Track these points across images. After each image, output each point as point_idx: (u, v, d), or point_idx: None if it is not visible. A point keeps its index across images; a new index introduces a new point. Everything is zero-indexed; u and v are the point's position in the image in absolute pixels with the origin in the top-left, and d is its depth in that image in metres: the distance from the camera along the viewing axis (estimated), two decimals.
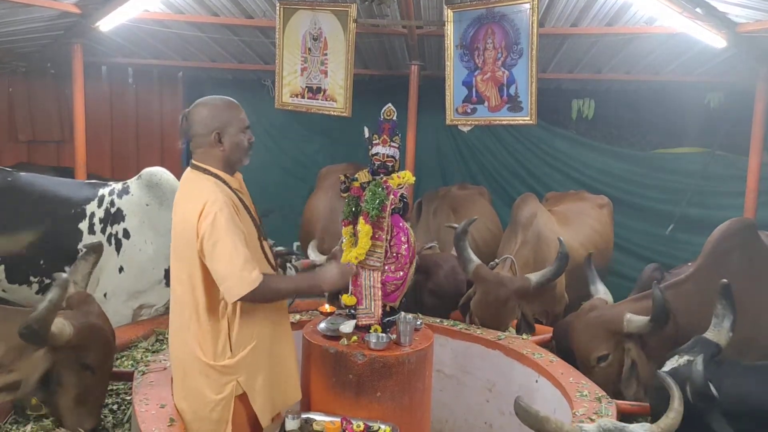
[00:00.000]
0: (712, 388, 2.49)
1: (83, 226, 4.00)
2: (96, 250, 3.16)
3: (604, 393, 3.09)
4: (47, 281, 3.91)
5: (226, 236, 2.40)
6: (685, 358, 2.73)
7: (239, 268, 2.40)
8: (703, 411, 2.49)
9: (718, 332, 2.74)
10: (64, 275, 2.78)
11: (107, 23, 5.61)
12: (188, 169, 2.63)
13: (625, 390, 3.34)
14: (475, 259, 4.11)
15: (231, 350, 2.54)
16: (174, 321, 2.65)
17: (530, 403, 2.29)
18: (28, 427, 2.84)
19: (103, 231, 3.99)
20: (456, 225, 4.52)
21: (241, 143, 2.60)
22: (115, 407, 3.21)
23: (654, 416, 2.80)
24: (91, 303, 3.00)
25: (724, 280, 2.81)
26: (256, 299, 2.48)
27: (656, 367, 3.12)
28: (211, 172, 2.56)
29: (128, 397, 3.24)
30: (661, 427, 2.28)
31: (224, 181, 2.56)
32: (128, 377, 3.17)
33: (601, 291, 3.86)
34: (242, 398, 2.58)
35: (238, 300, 2.45)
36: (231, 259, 2.40)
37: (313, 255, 4.65)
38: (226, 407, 2.54)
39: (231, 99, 2.66)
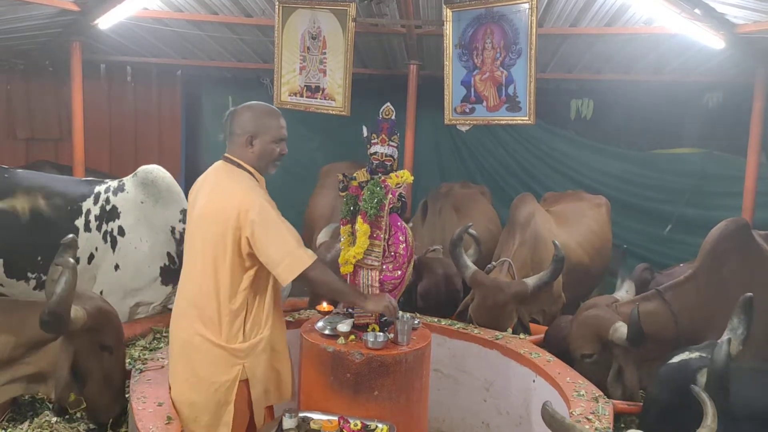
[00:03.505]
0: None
1: (79, 222, 4.00)
2: (71, 245, 3.17)
3: (601, 393, 3.10)
4: (44, 277, 3.91)
5: (278, 221, 2.57)
6: (697, 354, 2.70)
7: (295, 247, 2.56)
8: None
9: (730, 342, 2.72)
10: (70, 259, 2.80)
11: (106, 21, 5.61)
12: (220, 161, 2.72)
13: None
14: (472, 266, 4.14)
15: (243, 336, 2.63)
16: (182, 303, 2.69)
17: (528, 403, 2.28)
18: (25, 425, 2.84)
19: (98, 228, 3.99)
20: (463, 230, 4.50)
21: (271, 152, 2.70)
22: None
23: (645, 414, 2.80)
24: (86, 290, 3.02)
25: (749, 294, 2.76)
26: (310, 279, 2.60)
27: (650, 370, 3.13)
28: (244, 167, 2.67)
29: (126, 395, 3.23)
30: None
31: (255, 178, 2.68)
32: (126, 375, 3.16)
33: (622, 290, 3.85)
34: (244, 384, 2.66)
35: (295, 278, 2.56)
36: (287, 240, 2.56)
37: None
38: (230, 389, 2.62)
39: (274, 108, 2.80)
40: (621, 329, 3.32)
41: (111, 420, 2.94)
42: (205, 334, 2.60)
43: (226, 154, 2.72)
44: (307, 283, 2.69)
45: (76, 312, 2.71)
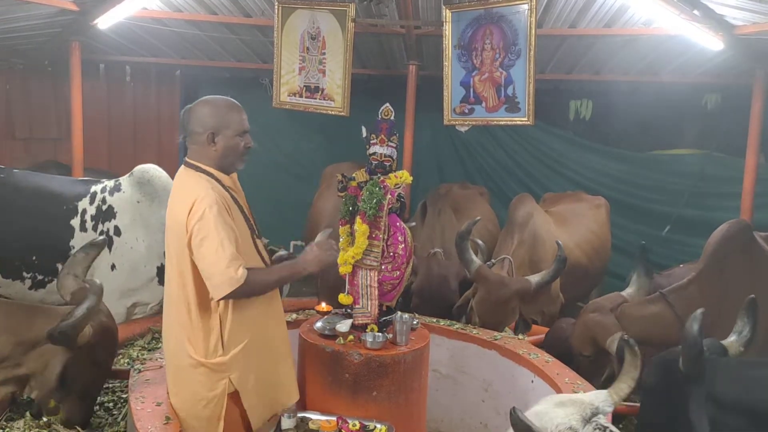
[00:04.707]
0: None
1: (75, 222, 3.99)
2: (99, 245, 3.17)
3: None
4: (40, 277, 3.93)
5: (214, 233, 2.40)
6: None
7: (225, 266, 2.39)
8: (690, 393, 2.45)
9: (731, 343, 2.73)
10: (98, 281, 2.81)
11: (105, 21, 5.61)
12: (182, 167, 2.62)
13: None
14: (477, 260, 4.14)
15: (223, 347, 2.53)
16: (167, 318, 2.65)
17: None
18: (21, 422, 2.84)
19: (94, 228, 3.98)
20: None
21: (235, 146, 2.56)
22: (110, 405, 3.21)
23: (642, 413, 2.80)
24: None
25: (752, 296, 2.76)
26: (242, 296, 2.48)
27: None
28: (203, 169, 2.54)
29: (124, 395, 3.24)
30: (618, 393, 2.21)
31: (217, 179, 2.55)
32: (124, 375, 3.16)
33: (632, 286, 3.76)
34: (234, 396, 2.58)
35: (223, 298, 2.45)
36: (217, 256, 2.40)
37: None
38: (218, 405, 2.54)
39: (233, 101, 2.63)
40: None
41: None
42: (188, 350, 2.53)
43: (186, 158, 2.59)
44: (245, 296, 2.50)
45: (85, 330, 2.72)
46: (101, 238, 3.13)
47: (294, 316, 3.87)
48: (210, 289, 2.45)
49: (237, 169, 2.65)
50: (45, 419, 2.86)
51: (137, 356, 3.44)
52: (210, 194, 2.45)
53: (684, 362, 2.46)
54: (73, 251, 3.92)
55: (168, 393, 2.72)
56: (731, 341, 2.71)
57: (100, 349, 2.89)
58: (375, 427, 2.70)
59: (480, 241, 4.63)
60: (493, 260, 4.49)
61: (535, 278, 4.11)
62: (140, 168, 4.13)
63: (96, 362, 2.89)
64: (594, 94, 7.32)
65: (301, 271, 2.68)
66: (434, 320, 4.04)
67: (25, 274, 3.94)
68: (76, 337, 2.66)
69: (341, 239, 3.15)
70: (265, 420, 2.71)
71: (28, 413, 2.88)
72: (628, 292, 3.79)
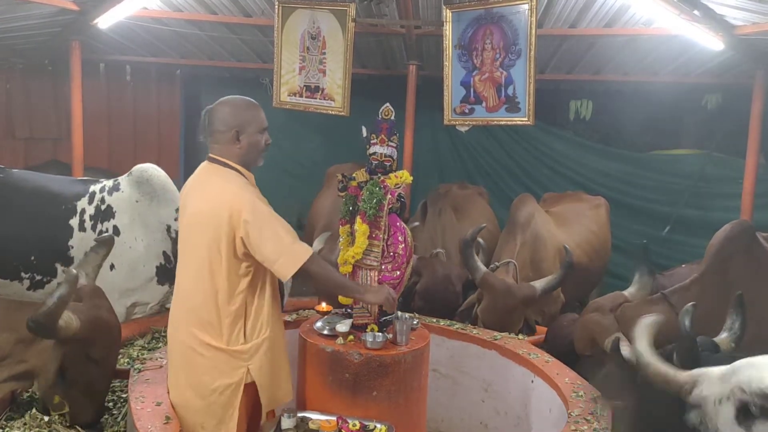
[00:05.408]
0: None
1: (74, 222, 3.99)
2: (107, 243, 3.17)
3: (600, 393, 3.10)
4: (38, 277, 3.92)
5: (270, 220, 2.56)
6: None
7: (290, 242, 2.56)
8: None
9: (722, 340, 2.73)
10: (74, 271, 2.80)
11: (105, 20, 5.61)
12: (206, 162, 2.69)
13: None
14: (482, 267, 4.14)
15: (245, 337, 2.61)
16: (179, 309, 2.67)
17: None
18: (21, 422, 2.83)
19: (93, 228, 3.97)
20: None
21: (258, 143, 2.67)
22: (110, 405, 3.20)
23: (639, 414, 2.80)
24: (100, 296, 3.01)
25: (738, 292, 2.77)
26: (310, 272, 2.60)
27: None
28: (231, 166, 2.64)
29: (124, 395, 3.23)
30: None
31: (243, 175, 2.65)
32: (124, 375, 3.16)
33: (634, 286, 3.70)
34: (249, 387, 2.63)
35: (294, 274, 2.56)
36: (281, 237, 2.55)
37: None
38: (235, 392, 2.60)
39: (252, 100, 2.73)
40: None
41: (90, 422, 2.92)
42: (206, 339, 2.57)
43: (210, 155, 2.67)
44: (307, 278, 2.66)
45: (69, 321, 2.68)
46: (107, 234, 3.13)
47: (294, 316, 3.87)
48: (279, 268, 2.56)
49: (258, 164, 2.75)
50: (46, 418, 2.85)
51: (137, 356, 3.44)
52: (248, 188, 2.60)
53: (678, 356, 2.47)
54: (71, 251, 3.93)
55: (169, 391, 2.72)
56: (722, 338, 2.72)
57: (95, 344, 2.85)
58: (375, 427, 2.70)
59: (481, 241, 4.63)
60: (496, 263, 4.49)
61: (540, 284, 4.11)
62: (139, 167, 4.13)
63: (92, 358, 2.86)
64: (594, 94, 7.32)
65: (361, 292, 2.87)
66: (434, 320, 4.04)
67: (23, 274, 3.93)
68: (53, 327, 2.62)
69: (341, 239, 3.16)
70: (267, 412, 2.75)
71: (27, 413, 2.88)
72: (630, 291, 3.78)
